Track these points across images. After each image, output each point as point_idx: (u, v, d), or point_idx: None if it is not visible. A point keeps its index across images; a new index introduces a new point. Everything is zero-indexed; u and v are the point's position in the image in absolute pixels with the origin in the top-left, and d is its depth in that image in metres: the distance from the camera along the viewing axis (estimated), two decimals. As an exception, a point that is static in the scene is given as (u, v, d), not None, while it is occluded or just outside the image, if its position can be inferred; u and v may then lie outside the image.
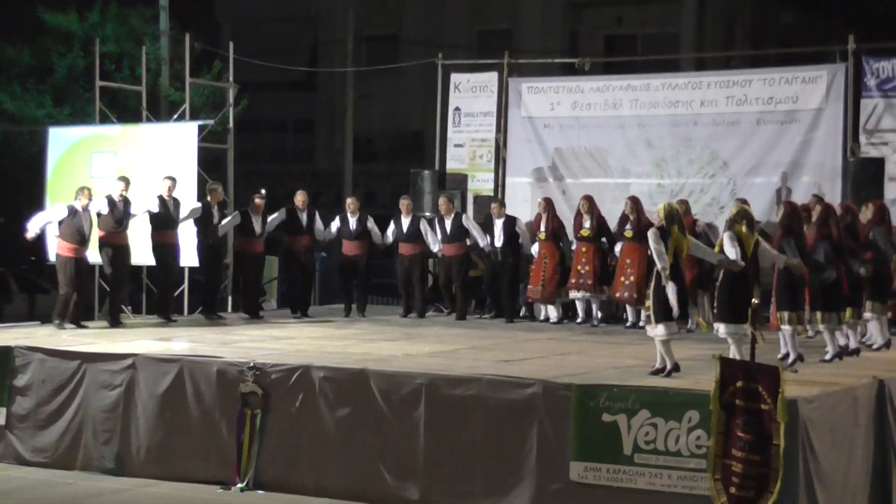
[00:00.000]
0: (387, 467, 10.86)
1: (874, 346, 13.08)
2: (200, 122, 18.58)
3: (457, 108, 19.47)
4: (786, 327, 11.62)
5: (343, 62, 32.11)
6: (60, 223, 14.73)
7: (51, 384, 12.36)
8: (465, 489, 10.54)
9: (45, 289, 25.19)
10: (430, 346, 13.20)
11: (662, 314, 10.94)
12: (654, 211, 16.59)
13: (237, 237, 16.66)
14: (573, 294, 15.93)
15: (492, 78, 19.30)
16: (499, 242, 16.37)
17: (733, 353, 10.76)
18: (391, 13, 38.44)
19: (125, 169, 16.93)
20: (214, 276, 16.57)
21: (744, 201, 14.58)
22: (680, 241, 10.95)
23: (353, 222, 16.99)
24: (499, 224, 16.45)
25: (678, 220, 11.05)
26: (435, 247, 16.80)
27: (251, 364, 11.46)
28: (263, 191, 16.91)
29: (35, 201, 19.23)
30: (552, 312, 16.21)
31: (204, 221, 15.99)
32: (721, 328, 11.01)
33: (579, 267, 15.81)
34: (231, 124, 19.68)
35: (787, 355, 11.62)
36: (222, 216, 16.28)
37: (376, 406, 10.92)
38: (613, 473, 9.94)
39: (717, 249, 11.21)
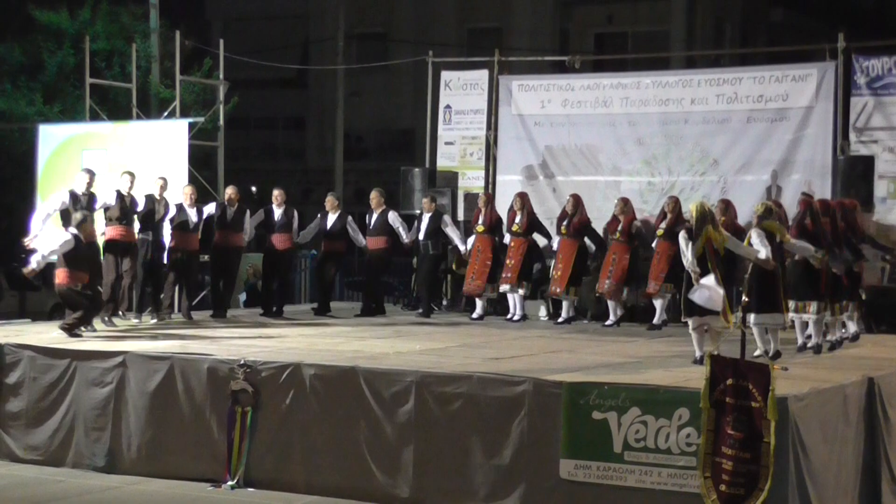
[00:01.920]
0: (377, 465, 10.86)
1: (845, 334, 13.29)
2: (191, 120, 18.55)
3: (447, 106, 19.48)
4: (808, 316, 11.87)
5: (333, 60, 32.07)
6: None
7: (42, 382, 12.34)
8: (456, 486, 10.55)
9: (36, 286, 25.13)
10: (421, 344, 13.20)
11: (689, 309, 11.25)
12: (647, 209, 16.84)
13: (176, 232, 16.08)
14: (502, 287, 16.16)
15: (482, 76, 19.30)
16: (422, 236, 16.58)
17: (760, 345, 11.20)
18: (382, 11, 38.44)
19: (115, 166, 16.94)
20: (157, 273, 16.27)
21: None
22: (715, 238, 11.07)
23: (277, 214, 16.49)
24: (426, 218, 16.66)
25: (711, 218, 11.17)
26: (404, 236, 16.72)
27: (242, 361, 11.45)
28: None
29: (26, 199, 19.21)
30: (478, 307, 16.32)
31: (146, 216, 15.34)
32: (752, 318, 11.37)
33: (507, 262, 16.01)
34: (221, 122, 19.67)
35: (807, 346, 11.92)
36: (167, 209, 15.56)
37: (367, 403, 10.92)
38: (603, 471, 9.94)
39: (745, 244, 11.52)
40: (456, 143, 19.38)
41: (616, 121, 18.27)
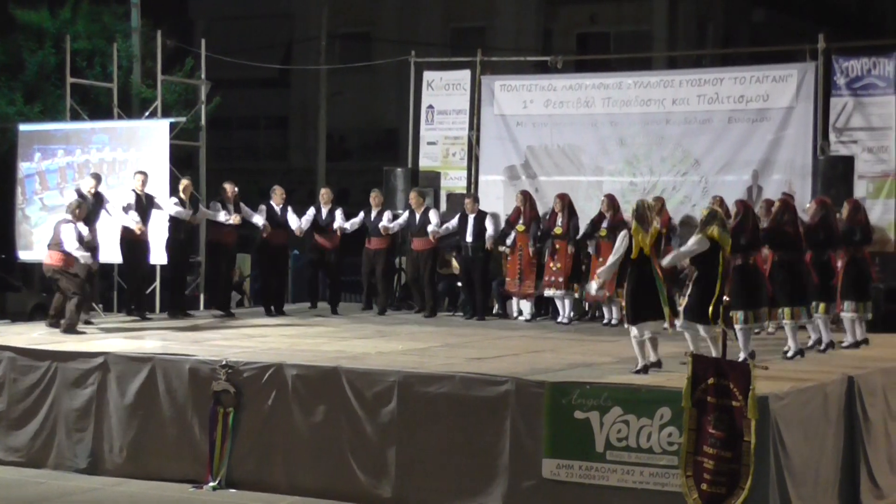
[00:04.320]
0: (360, 465, 10.86)
1: (844, 344, 13.17)
2: (172, 120, 18.48)
3: (430, 106, 19.48)
4: (739, 326, 11.57)
5: (316, 59, 32.02)
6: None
7: (22, 383, 12.32)
8: (438, 486, 10.56)
9: (16, 287, 25.04)
10: (403, 344, 13.21)
11: (634, 314, 11.01)
12: (628, 209, 16.80)
13: (210, 227, 16.49)
14: (547, 292, 16.03)
15: (465, 76, 19.31)
16: (470, 238, 16.43)
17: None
18: (365, 11, 38.39)
19: (97, 166, 16.92)
20: (182, 274, 16.50)
21: (720, 201, 14.75)
22: (655, 238, 10.97)
23: (324, 213, 16.93)
24: (471, 220, 16.50)
25: (651, 218, 11.05)
26: (386, 223, 16.69)
27: (224, 362, 11.44)
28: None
29: (6, 199, 19.11)
30: (525, 308, 16.30)
31: (176, 218, 15.92)
32: (689, 328, 11.01)
33: (552, 265, 15.93)
34: (203, 122, 19.63)
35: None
36: (196, 209, 16.18)
37: (349, 404, 10.92)
38: (586, 470, 9.97)
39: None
40: (438, 143, 19.38)
41: (598, 121, 18.29)
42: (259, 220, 16.36)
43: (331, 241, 16.94)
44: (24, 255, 17.88)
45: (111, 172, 16.85)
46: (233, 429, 11.30)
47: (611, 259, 11.23)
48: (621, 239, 11.12)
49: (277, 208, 16.69)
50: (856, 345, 13.11)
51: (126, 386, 11.83)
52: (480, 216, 16.48)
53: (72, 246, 13.92)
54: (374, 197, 17.06)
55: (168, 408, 11.64)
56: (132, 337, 13.62)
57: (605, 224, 15.64)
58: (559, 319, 15.99)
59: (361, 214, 17.07)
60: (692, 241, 11.13)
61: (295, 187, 35.26)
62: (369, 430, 10.85)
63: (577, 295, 15.98)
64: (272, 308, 16.73)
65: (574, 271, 15.89)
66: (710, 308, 10.80)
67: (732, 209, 12.45)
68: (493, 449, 10.36)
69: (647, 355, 11.00)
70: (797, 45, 17.99)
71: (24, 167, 17.67)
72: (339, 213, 16.97)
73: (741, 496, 9.36)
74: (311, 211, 17.00)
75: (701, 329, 10.95)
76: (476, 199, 16.91)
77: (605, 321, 15.72)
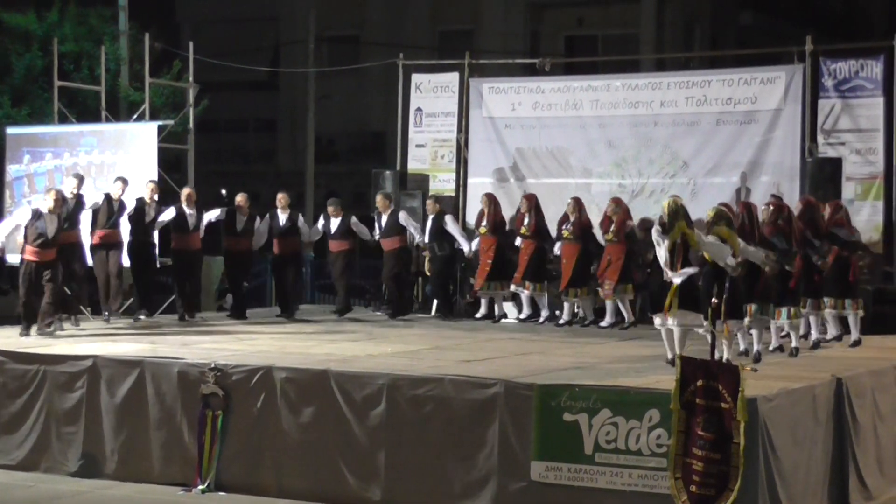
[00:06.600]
0: (349, 468, 10.86)
1: (826, 337, 13.31)
2: (160, 123, 18.47)
3: (418, 109, 19.49)
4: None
5: (304, 62, 32.02)
6: (26, 226, 14.21)
7: (11, 387, 12.28)
8: (428, 489, 10.56)
9: (4, 290, 24.97)
10: (393, 347, 13.21)
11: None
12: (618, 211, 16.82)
13: (174, 233, 16.10)
14: (513, 288, 16.15)
15: (453, 78, 19.32)
16: (427, 238, 16.72)
17: (726, 351, 10.97)
18: (352, 14, 38.40)
19: (85, 170, 16.90)
20: (145, 275, 16.30)
21: (726, 205, 14.80)
22: (688, 235, 11.02)
23: (282, 219, 16.77)
24: (429, 220, 16.81)
25: (683, 214, 11.11)
26: (417, 236, 16.96)
27: (212, 365, 11.43)
28: (190, 190, 16.47)
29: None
30: (512, 313, 16.38)
31: (137, 219, 15.68)
32: (704, 325, 11.08)
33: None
34: (191, 124, 19.61)
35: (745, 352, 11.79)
36: (158, 212, 16.03)
37: (338, 407, 10.92)
38: (575, 473, 9.98)
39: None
40: (427, 146, 19.39)
41: (586, 123, 18.32)
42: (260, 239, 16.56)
43: (348, 245, 16.98)
44: (11, 259, 17.82)
45: (99, 175, 16.85)
46: (222, 432, 11.29)
47: (664, 255, 11.17)
48: (657, 233, 11.18)
49: (283, 216, 16.64)
50: (838, 338, 13.27)
51: (115, 389, 11.81)
52: (439, 216, 16.71)
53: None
54: (381, 201, 17.02)
55: (157, 411, 11.63)
56: (121, 340, 13.58)
57: (567, 226, 15.71)
58: (520, 316, 16.12)
59: (322, 222, 17.10)
60: (710, 239, 11.18)
61: (283, 190, 35.27)
62: (358, 432, 10.85)
63: (526, 292, 16.07)
64: (288, 308, 16.78)
65: (539, 270, 15.93)
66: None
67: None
68: (481, 451, 10.36)
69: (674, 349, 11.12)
70: (784, 48, 18.04)
71: (12, 170, 17.67)
72: (354, 220, 16.99)
73: (730, 498, 9.37)
74: (321, 222, 17.10)
75: (705, 325, 11.02)
76: (436, 201, 17.08)
77: (607, 323, 15.70)
